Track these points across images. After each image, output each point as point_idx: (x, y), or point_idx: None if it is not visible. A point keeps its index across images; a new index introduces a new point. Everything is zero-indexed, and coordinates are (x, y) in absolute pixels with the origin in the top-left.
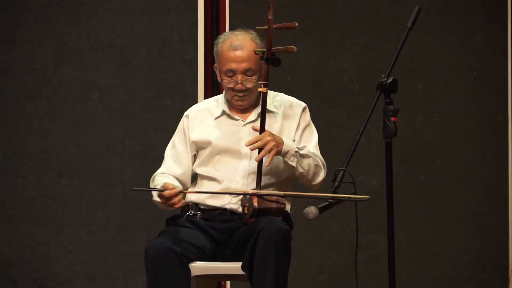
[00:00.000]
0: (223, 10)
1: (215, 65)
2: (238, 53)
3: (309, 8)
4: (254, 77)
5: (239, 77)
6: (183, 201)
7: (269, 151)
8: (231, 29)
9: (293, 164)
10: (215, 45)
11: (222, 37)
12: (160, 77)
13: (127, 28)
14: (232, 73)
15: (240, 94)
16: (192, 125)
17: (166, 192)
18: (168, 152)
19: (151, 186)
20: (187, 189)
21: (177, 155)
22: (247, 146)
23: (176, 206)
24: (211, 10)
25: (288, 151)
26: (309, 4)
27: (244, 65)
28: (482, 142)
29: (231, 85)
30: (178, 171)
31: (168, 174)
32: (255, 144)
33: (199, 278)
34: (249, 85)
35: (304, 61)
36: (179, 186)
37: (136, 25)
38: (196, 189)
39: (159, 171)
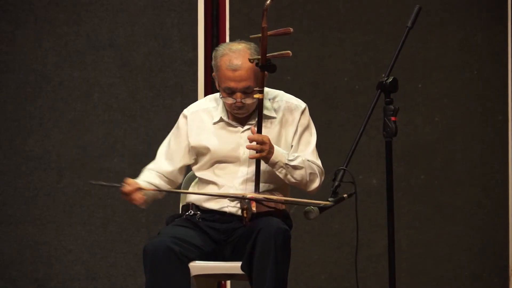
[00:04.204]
0: (223, 10)
1: (214, 73)
2: (237, 73)
3: (309, 8)
4: (253, 93)
5: (238, 95)
6: (143, 197)
7: (258, 152)
8: (231, 29)
9: (281, 175)
10: (213, 58)
11: (220, 51)
12: (160, 77)
13: (127, 28)
14: (231, 91)
15: (239, 111)
16: (190, 128)
17: (125, 188)
18: (162, 149)
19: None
20: (179, 187)
21: (169, 153)
22: (249, 138)
23: (136, 202)
24: (211, 10)
25: (276, 162)
26: (309, 4)
27: (243, 84)
28: (482, 142)
29: (230, 102)
30: (167, 168)
31: (154, 171)
32: (253, 145)
33: (199, 277)
34: (248, 101)
35: (304, 61)
36: (160, 184)
37: (136, 25)
38: (197, 191)
39: (148, 166)
